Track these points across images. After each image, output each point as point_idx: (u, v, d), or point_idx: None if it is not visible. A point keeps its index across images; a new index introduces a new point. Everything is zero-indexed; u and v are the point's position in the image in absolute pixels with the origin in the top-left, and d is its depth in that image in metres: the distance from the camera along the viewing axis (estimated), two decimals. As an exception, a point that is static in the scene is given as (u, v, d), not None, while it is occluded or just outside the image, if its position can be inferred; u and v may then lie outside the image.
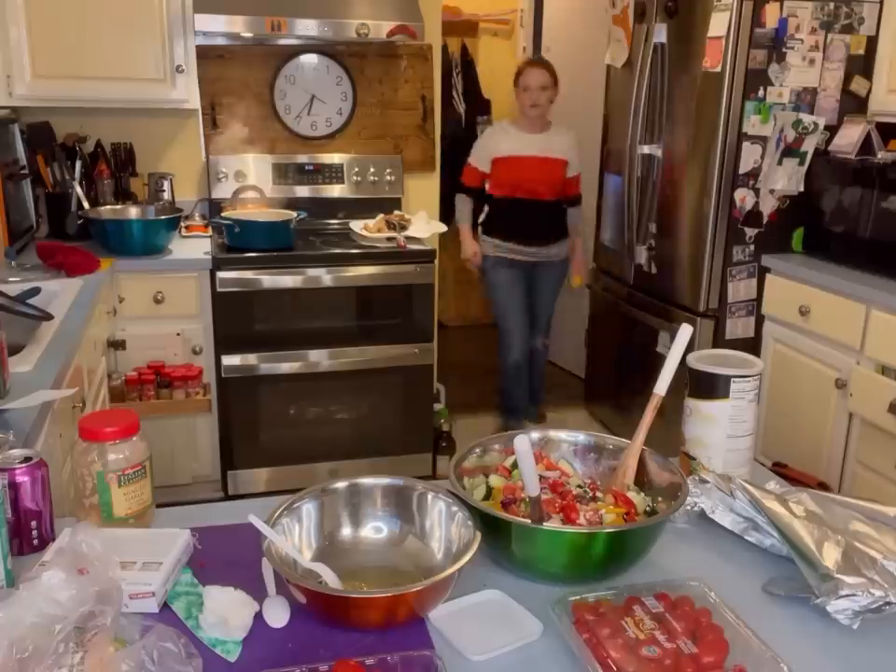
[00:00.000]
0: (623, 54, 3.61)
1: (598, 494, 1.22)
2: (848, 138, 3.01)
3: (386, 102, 3.70)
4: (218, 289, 3.03)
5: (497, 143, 3.58)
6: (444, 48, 4.54)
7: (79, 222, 3.05)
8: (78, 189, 3.15)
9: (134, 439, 1.20)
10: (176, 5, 3.08)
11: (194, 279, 3.03)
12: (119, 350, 2.95)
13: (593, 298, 4.11)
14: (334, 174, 3.62)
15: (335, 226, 3.57)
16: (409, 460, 3.36)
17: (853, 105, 3.07)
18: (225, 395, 3.13)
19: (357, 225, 3.43)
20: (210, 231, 3.36)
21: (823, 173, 3.06)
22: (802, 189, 3.10)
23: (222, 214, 3.27)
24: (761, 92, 3.00)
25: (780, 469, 2.77)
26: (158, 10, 3.05)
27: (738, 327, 3.22)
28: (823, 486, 2.72)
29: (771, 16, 2.94)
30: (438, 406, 3.70)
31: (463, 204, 3.70)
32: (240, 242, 3.09)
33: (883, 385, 2.60)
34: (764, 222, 3.14)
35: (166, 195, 3.44)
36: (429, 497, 1.17)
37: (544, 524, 1.11)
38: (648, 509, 1.21)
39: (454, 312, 5.55)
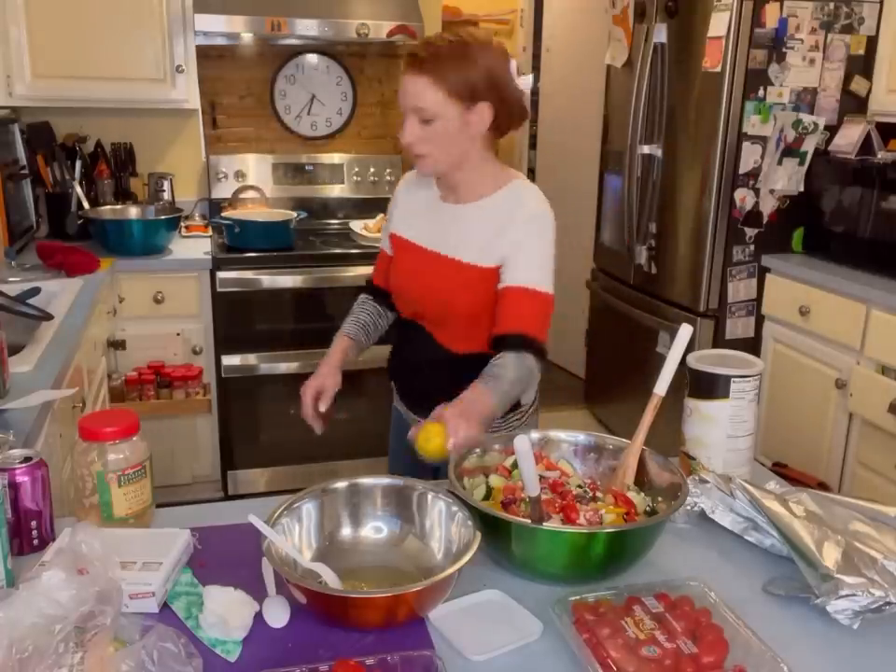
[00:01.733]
0: (623, 54, 3.61)
1: (598, 494, 1.23)
2: (848, 138, 3.01)
3: (386, 102, 3.71)
4: (218, 289, 3.03)
5: (398, 208, 1.77)
6: (444, 48, 4.54)
7: (79, 222, 3.05)
8: (78, 189, 3.15)
9: (134, 439, 1.20)
10: (176, 5, 3.08)
11: (194, 279, 3.03)
12: (119, 350, 2.95)
13: (593, 298, 4.11)
14: (334, 174, 3.63)
15: (335, 226, 3.57)
16: (409, 460, 3.35)
17: (853, 105, 3.07)
18: (225, 395, 3.13)
19: (356, 225, 3.43)
20: (210, 231, 3.36)
21: (823, 173, 3.06)
22: (802, 189, 3.10)
23: (222, 214, 3.27)
24: (761, 92, 2.99)
25: (780, 469, 2.77)
26: (158, 10, 3.05)
27: (738, 327, 3.22)
28: (823, 486, 2.72)
29: (771, 16, 2.94)
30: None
31: (354, 305, 1.91)
32: (240, 242, 3.09)
33: (883, 385, 2.60)
34: (764, 222, 3.14)
35: (166, 195, 3.44)
36: (429, 496, 1.17)
37: (544, 524, 1.11)
38: (648, 509, 1.21)
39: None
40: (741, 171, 3.06)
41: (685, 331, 1.31)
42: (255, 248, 3.09)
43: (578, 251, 4.46)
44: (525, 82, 1.59)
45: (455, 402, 1.37)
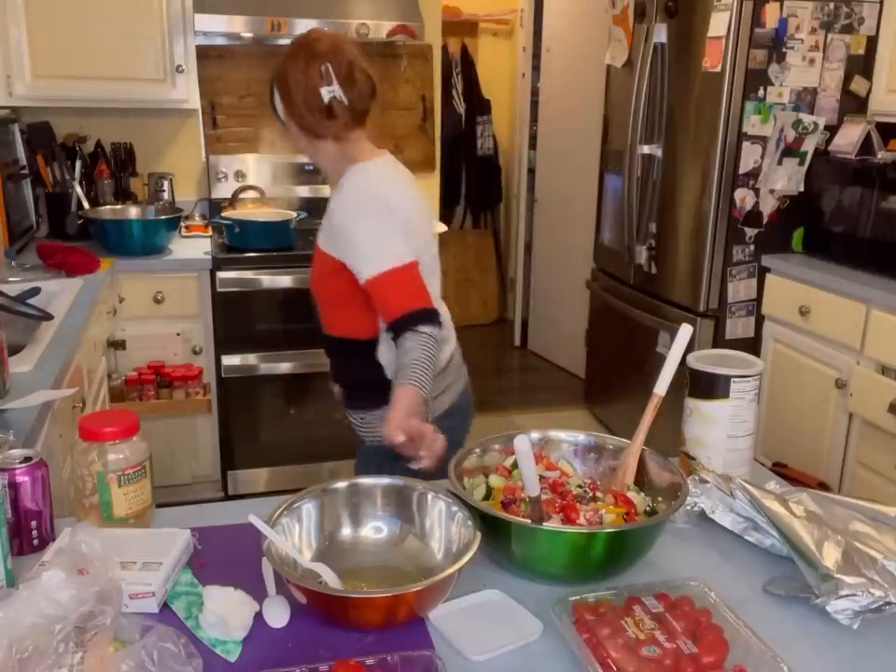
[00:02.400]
0: (623, 54, 3.61)
1: (598, 494, 1.23)
2: (848, 138, 3.01)
3: (386, 102, 3.70)
4: (218, 289, 3.03)
5: None
6: (444, 48, 4.54)
7: (79, 222, 3.05)
8: (78, 189, 3.15)
9: (134, 439, 1.20)
10: (176, 5, 3.08)
11: (194, 279, 3.03)
12: (119, 350, 2.95)
13: (593, 298, 4.11)
14: (334, 174, 3.62)
15: (335, 226, 3.57)
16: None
17: (853, 105, 3.07)
18: (225, 395, 3.13)
19: (356, 225, 3.43)
20: (210, 231, 3.36)
21: (823, 173, 3.06)
22: (802, 189, 3.10)
23: (222, 214, 3.27)
24: (761, 92, 2.99)
25: (780, 469, 2.77)
26: (158, 10, 3.05)
27: (738, 327, 3.22)
28: (823, 486, 2.72)
29: (771, 16, 2.94)
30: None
31: None
32: (240, 242, 3.09)
33: (883, 384, 2.60)
34: (764, 222, 3.14)
35: (166, 195, 3.44)
36: (429, 496, 1.17)
37: (544, 524, 1.11)
38: (648, 509, 1.21)
39: (453, 311, 5.55)
40: (741, 171, 3.06)
41: (685, 331, 1.31)
42: (255, 248, 3.09)
43: (578, 251, 4.46)
44: (328, 91, 1.60)
45: (393, 405, 1.43)
